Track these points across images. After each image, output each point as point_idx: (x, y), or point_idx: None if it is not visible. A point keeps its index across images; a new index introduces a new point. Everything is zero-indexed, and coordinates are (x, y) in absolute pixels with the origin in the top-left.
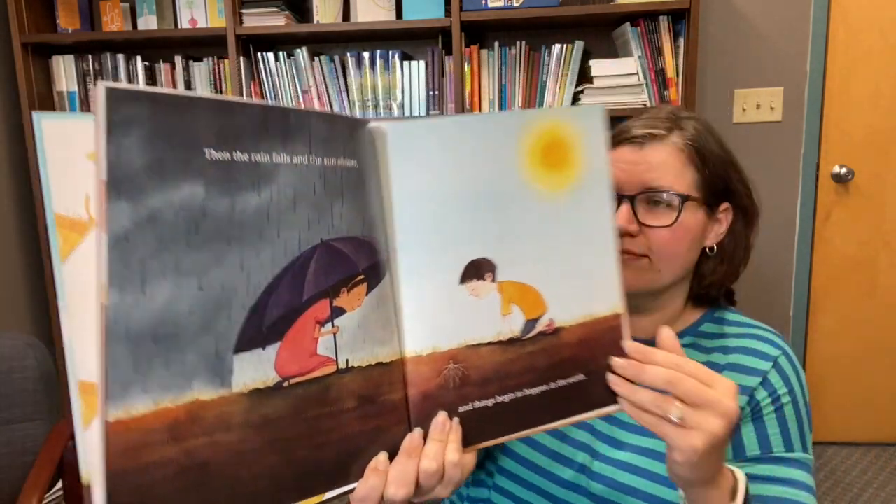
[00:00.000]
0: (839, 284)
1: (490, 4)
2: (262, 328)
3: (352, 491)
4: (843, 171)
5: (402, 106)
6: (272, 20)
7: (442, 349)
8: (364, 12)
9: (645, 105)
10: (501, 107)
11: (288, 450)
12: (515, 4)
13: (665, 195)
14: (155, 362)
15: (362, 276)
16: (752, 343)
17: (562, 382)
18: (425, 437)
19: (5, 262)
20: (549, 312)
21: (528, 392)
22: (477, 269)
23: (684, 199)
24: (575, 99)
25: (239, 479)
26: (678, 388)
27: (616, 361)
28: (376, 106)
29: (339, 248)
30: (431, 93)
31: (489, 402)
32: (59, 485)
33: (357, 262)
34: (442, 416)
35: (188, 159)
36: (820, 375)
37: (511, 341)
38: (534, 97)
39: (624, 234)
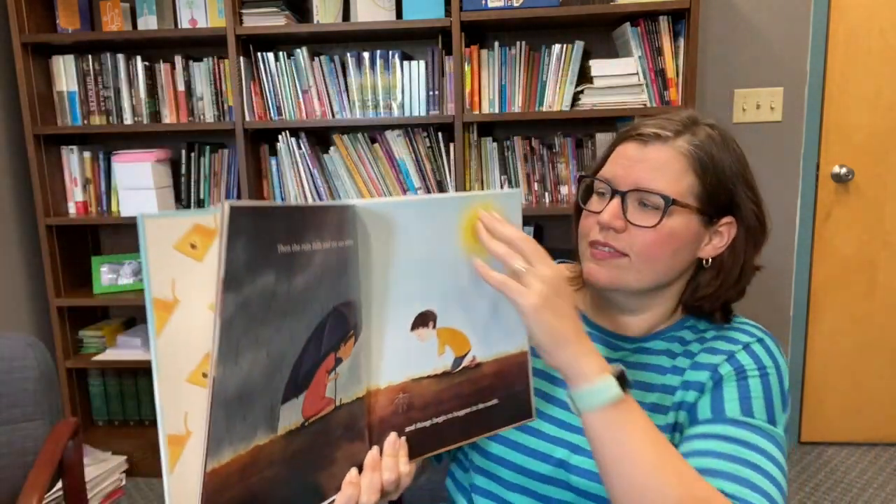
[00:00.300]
0: (839, 284)
1: (490, 4)
2: (298, 381)
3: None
4: (843, 171)
5: (402, 106)
6: (272, 20)
7: (395, 383)
8: (364, 12)
9: (645, 105)
10: (502, 107)
11: (302, 475)
12: (515, 4)
13: (651, 196)
14: (236, 419)
15: (353, 331)
16: (730, 333)
17: (481, 405)
18: (382, 453)
19: (5, 262)
20: (472, 350)
21: (456, 414)
22: (423, 319)
23: (670, 202)
24: (575, 99)
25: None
26: (518, 246)
27: (482, 216)
28: (376, 106)
29: (342, 311)
30: (431, 93)
31: (428, 423)
32: (59, 485)
33: (350, 321)
34: (392, 436)
35: (267, 255)
36: (820, 375)
37: (444, 374)
38: (534, 97)
39: (608, 228)
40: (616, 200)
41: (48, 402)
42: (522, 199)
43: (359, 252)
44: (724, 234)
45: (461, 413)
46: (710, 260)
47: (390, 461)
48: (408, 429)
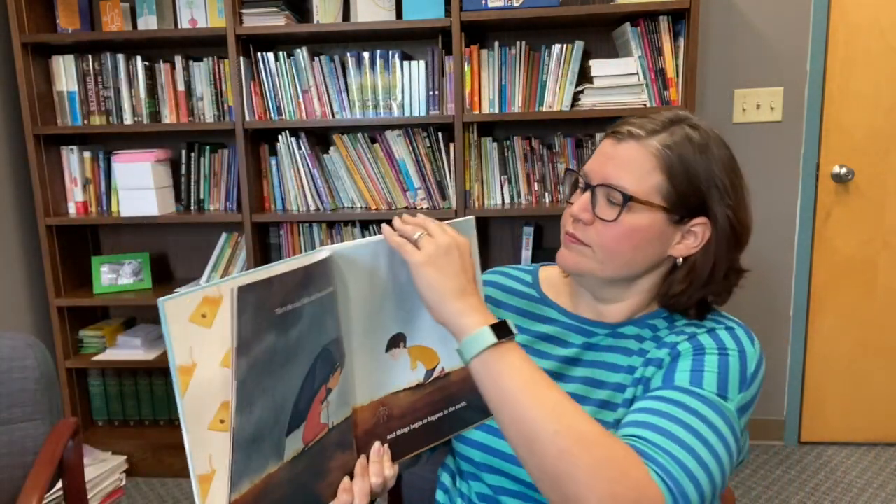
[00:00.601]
0: (839, 284)
1: (490, 4)
2: (298, 415)
3: None
4: (843, 171)
5: (402, 106)
6: (272, 20)
7: (376, 398)
8: (364, 12)
9: (644, 105)
10: (502, 107)
11: (304, 491)
12: (515, 4)
13: (614, 192)
14: (252, 456)
15: (339, 363)
16: (703, 322)
17: (452, 409)
18: (368, 460)
19: (5, 262)
20: (441, 362)
21: (430, 419)
22: (395, 341)
23: (627, 199)
24: (575, 99)
25: None
26: (425, 225)
27: (395, 221)
28: (376, 106)
29: (329, 349)
30: (431, 93)
31: (406, 430)
32: (59, 485)
33: (335, 355)
34: (376, 445)
35: (269, 319)
36: (820, 375)
37: (418, 386)
38: (534, 97)
39: (578, 220)
40: (587, 194)
41: (48, 402)
42: (522, 200)
43: (338, 294)
44: (698, 235)
45: (435, 418)
46: (682, 259)
47: (376, 467)
48: (389, 436)
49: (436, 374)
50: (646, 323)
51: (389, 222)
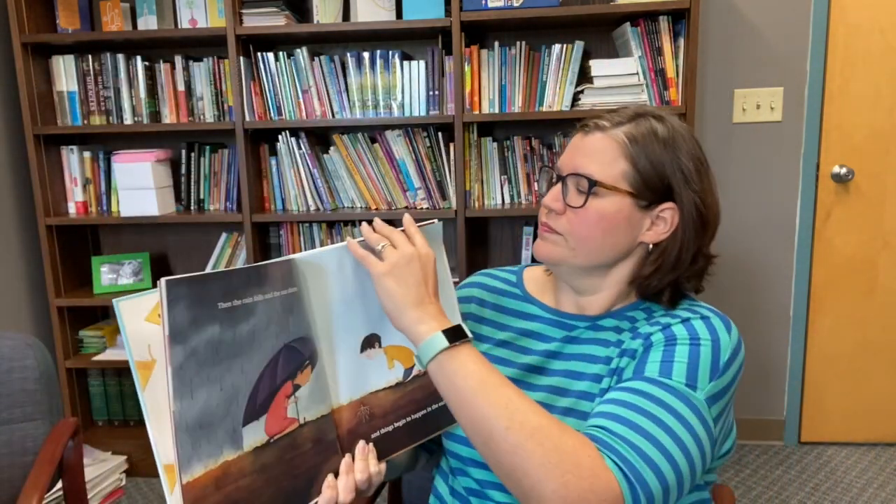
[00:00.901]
0: (839, 284)
1: (490, 4)
2: (256, 407)
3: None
4: (843, 171)
5: (402, 106)
6: (272, 20)
7: (356, 398)
8: (364, 12)
9: (645, 105)
10: (502, 107)
11: (277, 483)
12: (515, 4)
13: (582, 179)
14: (201, 441)
15: (308, 361)
16: (678, 311)
17: (435, 406)
18: (354, 459)
19: (5, 262)
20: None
21: (413, 417)
22: (369, 342)
23: (593, 184)
24: (575, 99)
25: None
26: (390, 235)
27: (363, 225)
28: (376, 106)
29: (294, 346)
30: (431, 93)
31: (390, 428)
32: (59, 485)
33: (304, 353)
34: (361, 443)
35: (209, 312)
36: (820, 375)
37: (398, 385)
38: (534, 97)
39: (550, 210)
40: (558, 185)
41: (48, 402)
42: (522, 200)
43: (303, 296)
44: (667, 220)
45: (418, 415)
46: (653, 245)
47: (361, 464)
48: (374, 435)
49: (415, 372)
50: (625, 315)
51: (391, 222)
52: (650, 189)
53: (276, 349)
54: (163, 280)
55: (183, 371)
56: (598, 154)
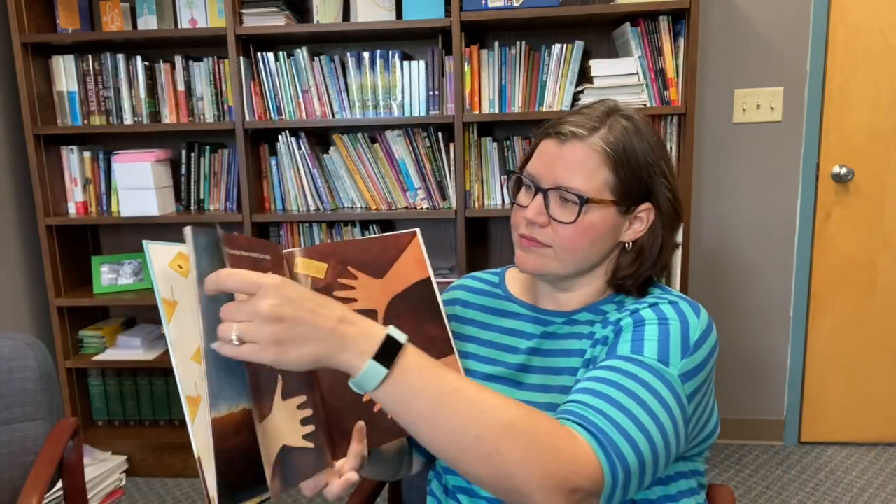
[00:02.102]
0: (839, 284)
1: (490, 4)
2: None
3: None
4: (843, 171)
5: (402, 106)
6: (272, 20)
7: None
8: (364, 12)
9: (645, 105)
10: (502, 107)
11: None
12: (515, 4)
13: (569, 194)
14: (225, 383)
15: None
16: (647, 298)
17: None
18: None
19: (5, 262)
20: None
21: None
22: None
23: (585, 201)
24: (575, 99)
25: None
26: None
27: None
28: (376, 106)
29: None
30: (431, 93)
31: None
32: (59, 485)
33: None
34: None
35: (221, 257)
36: (820, 375)
37: None
38: (534, 97)
39: (533, 223)
40: (539, 198)
41: (48, 402)
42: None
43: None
44: (643, 219)
45: None
46: (630, 243)
47: (357, 447)
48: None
49: None
50: (598, 309)
51: (387, 224)
52: (629, 194)
53: None
54: (188, 228)
55: (210, 313)
56: (579, 165)
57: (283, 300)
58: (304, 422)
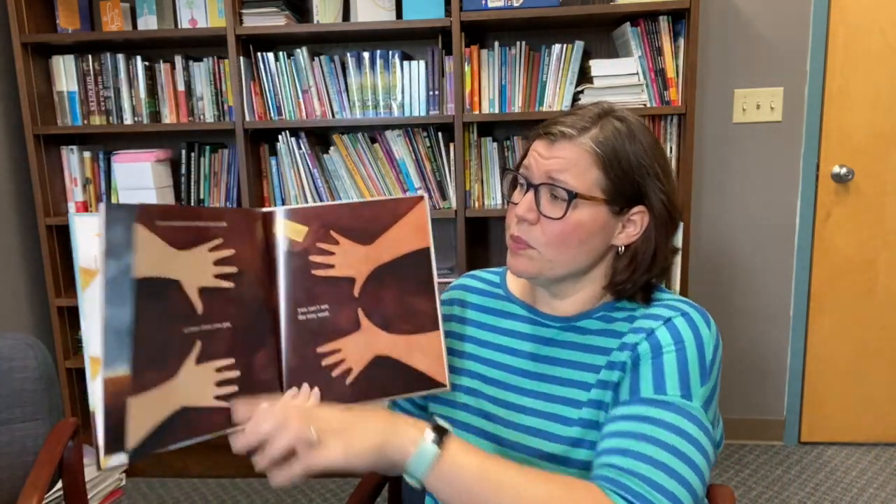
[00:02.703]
0: (839, 284)
1: (490, 4)
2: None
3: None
4: (843, 171)
5: (402, 106)
6: (272, 20)
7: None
8: (364, 12)
9: (645, 105)
10: (502, 107)
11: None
12: (515, 4)
13: (559, 189)
14: (123, 350)
15: None
16: (656, 310)
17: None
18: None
19: (5, 262)
20: None
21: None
22: None
23: (573, 196)
24: (575, 99)
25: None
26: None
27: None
28: (376, 106)
29: None
30: (431, 93)
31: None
32: (59, 485)
33: None
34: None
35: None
36: (820, 375)
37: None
38: (534, 97)
39: (523, 220)
40: (530, 194)
41: (48, 402)
42: None
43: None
44: (637, 223)
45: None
46: (624, 247)
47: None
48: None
49: None
50: (604, 316)
51: None
52: (621, 194)
53: None
54: (101, 205)
55: (115, 283)
56: (569, 164)
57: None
58: (220, 384)
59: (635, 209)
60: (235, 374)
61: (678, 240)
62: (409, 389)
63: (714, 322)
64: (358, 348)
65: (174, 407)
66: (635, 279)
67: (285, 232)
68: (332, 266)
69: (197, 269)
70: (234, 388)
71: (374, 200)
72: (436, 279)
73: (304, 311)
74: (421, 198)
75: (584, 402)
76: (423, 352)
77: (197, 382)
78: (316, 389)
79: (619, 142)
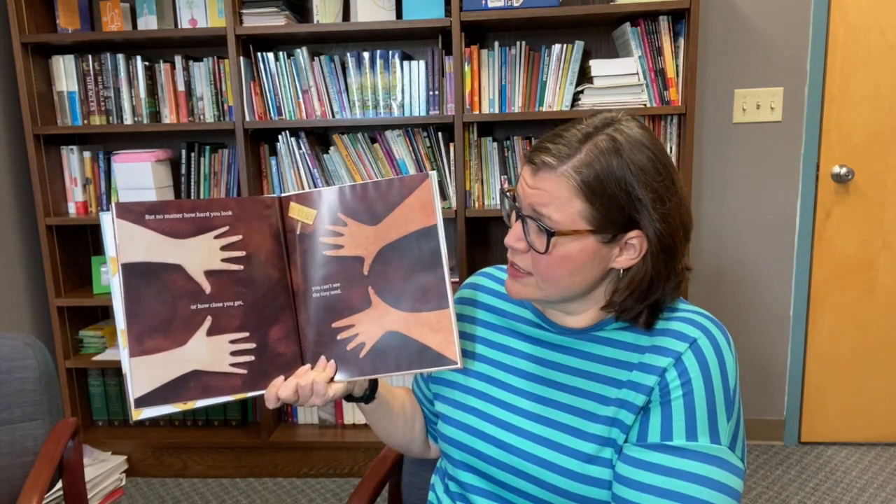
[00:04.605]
0: (839, 284)
1: (490, 4)
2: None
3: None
4: (843, 171)
5: (402, 106)
6: (272, 20)
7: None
8: (364, 12)
9: (645, 105)
10: (502, 107)
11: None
12: (515, 4)
13: (538, 224)
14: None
15: None
16: (665, 340)
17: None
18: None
19: (5, 262)
20: None
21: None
22: None
23: (552, 234)
24: (575, 99)
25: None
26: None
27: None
28: (376, 106)
29: None
30: (431, 93)
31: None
32: (59, 485)
33: None
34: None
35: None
36: (820, 375)
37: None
38: (534, 97)
39: (514, 249)
40: (518, 224)
41: (48, 402)
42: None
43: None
44: (635, 247)
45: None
46: (623, 270)
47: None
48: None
49: None
50: (621, 328)
51: None
52: (612, 223)
53: None
54: (113, 205)
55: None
56: (550, 196)
57: None
58: (236, 353)
59: (633, 234)
60: (251, 345)
61: (686, 261)
62: (422, 365)
63: (728, 334)
64: (370, 324)
65: (185, 369)
66: (633, 302)
67: (297, 215)
68: (341, 247)
69: (202, 255)
70: (250, 358)
71: (381, 181)
72: (445, 256)
73: (317, 289)
74: (426, 176)
75: (600, 416)
76: (433, 328)
77: (210, 350)
78: (332, 361)
79: (604, 168)
